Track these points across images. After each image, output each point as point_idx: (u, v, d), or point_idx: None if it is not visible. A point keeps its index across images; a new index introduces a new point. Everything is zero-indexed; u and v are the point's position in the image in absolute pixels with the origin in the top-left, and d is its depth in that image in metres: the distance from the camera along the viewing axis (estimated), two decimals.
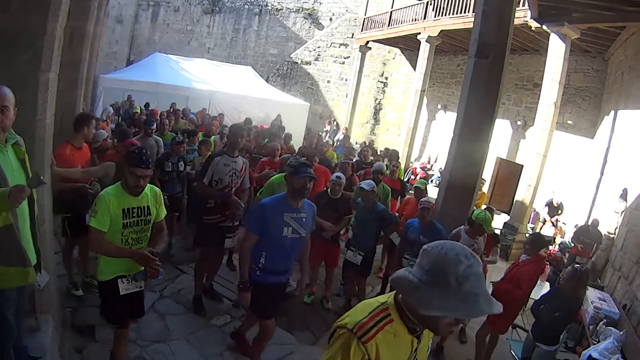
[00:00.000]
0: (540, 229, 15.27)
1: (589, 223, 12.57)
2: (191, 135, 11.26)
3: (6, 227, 3.49)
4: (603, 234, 11.45)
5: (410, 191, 18.93)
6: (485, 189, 15.83)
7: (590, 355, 6.86)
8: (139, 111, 16.32)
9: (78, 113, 8.27)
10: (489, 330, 7.27)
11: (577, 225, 13.35)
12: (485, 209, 9.50)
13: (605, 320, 7.82)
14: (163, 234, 5.02)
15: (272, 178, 7.78)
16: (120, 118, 16.11)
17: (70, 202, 6.50)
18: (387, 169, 11.70)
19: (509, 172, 19.02)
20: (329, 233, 7.90)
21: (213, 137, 12.72)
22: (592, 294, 8.68)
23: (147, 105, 18.08)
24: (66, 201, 6.49)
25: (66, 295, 6.51)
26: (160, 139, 10.97)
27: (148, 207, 4.69)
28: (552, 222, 15.52)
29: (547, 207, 15.80)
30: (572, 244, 12.39)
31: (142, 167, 4.41)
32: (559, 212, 15.72)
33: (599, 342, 7.34)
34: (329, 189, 8.21)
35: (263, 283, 5.23)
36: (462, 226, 7.37)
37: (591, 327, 7.89)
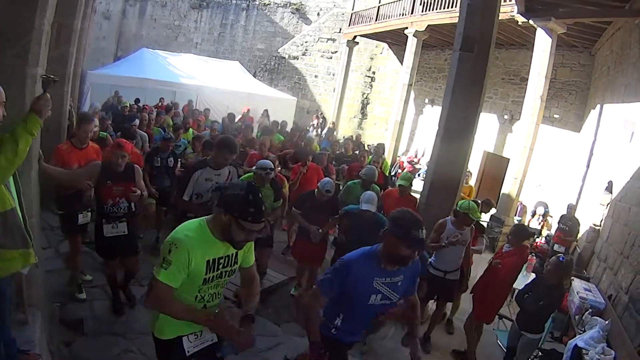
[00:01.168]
0: (529, 222, 15.38)
1: (567, 209, 12.75)
2: (175, 131, 11.22)
3: (12, 210, 3.55)
4: (589, 225, 11.54)
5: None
6: (472, 182, 15.92)
7: (576, 345, 6.93)
8: (128, 106, 16.20)
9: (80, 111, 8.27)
10: (476, 320, 7.36)
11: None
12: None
13: (590, 310, 7.87)
14: (255, 286, 3.94)
15: (241, 178, 7.28)
16: (106, 113, 15.94)
17: (65, 199, 6.48)
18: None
19: (496, 166, 19.10)
20: (316, 238, 7.76)
21: (191, 130, 12.89)
22: (577, 284, 8.74)
23: (137, 100, 18.04)
24: (61, 197, 6.58)
25: (55, 290, 6.49)
26: (145, 134, 11.10)
27: (236, 253, 3.61)
28: (540, 215, 15.66)
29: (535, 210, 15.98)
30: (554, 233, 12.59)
31: (257, 220, 3.29)
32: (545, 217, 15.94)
33: (584, 331, 7.40)
34: (315, 192, 7.90)
35: (337, 340, 4.21)
36: (449, 217, 7.36)
37: (577, 317, 7.95)
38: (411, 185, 9.39)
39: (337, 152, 14.41)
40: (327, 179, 8.23)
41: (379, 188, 9.45)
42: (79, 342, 5.62)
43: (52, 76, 3.78)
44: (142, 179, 6.59)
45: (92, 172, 6.03)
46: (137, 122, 11.16)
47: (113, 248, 6.23)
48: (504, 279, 7.05)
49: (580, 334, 7.36)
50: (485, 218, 12.42)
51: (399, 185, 9.00)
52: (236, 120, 17.71)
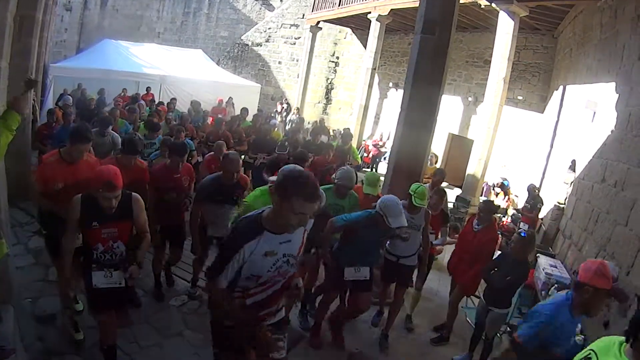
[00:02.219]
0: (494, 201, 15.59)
1: (528, 189, 12.99)
2: (153, 131, 10.31)
3: None
4: (554, 204, 11.75)
5: (366, 170, 18.99)
6: (438, 165, 16.06)
7: None
8: (94, 99, 15.82)
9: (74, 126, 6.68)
10: (463, 293, 7.44)
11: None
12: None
13: (556, 285, 8.03)
14: None
15: (254, 194, 5.90)
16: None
17: (48, 218, 5.47)
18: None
19: (461, 147, 19.36)
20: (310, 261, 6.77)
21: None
22: (543, 261, 8.90)
23: (101, 91, 17.82)
24: (44, 215, 5.61)
25: (25, 286, 6.41)
26: (117, 135, 9.41)
27: None
28: (504, 193, 15.88)
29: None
30: (521, 214, 12.80)
31: None
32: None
33: None
34: None
35: None
36: (403, 200, 6.82)
37: (543, 292, 8.10)
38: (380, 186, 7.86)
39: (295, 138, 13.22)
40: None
41: (356, 195, 7.32)
42: (52, 336, 5.59)
43: (32, 77, 3.85)
44: (145, 210, 4.99)
45: (73, 209, 4.51)
46: (110, 128, 9.31)
47: (106, 299, 4.66)
48: (488, 251, 7.08)
49: None
50: (450, 199, 12.52)
51: (366, 194, 7.31)
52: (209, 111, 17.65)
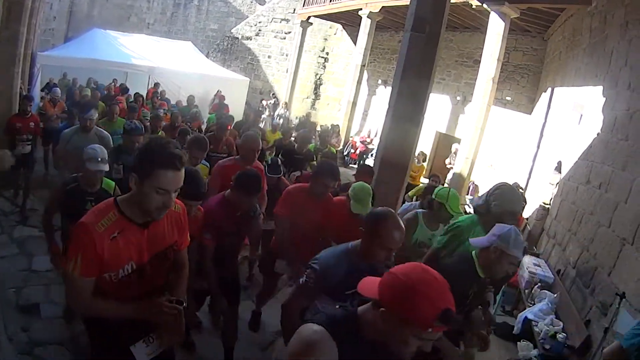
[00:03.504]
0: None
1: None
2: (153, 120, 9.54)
3: None
4: (539, 204, 11.83)
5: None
6: (426, 163, 16.13)
7: (526, 317, 7.15)
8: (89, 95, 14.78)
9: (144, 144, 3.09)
10: None
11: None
12: (431, 178, 9.55)
13: (540, 284, 8.13)
14: None
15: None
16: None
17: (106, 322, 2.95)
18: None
19: (448, 146, 19.33)
20: None
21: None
22: (527, 260, 8.98)
23: (89, 81, 17.70)
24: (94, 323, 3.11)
25: (9, 275, 6.36)
26: (107, 133, 7.22)
27: None
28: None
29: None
30: None
31: None
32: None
33: (534, 304, 7.64)
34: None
35: None
36: (417, 209, 5.83)
37: (527, 291, 8.20)
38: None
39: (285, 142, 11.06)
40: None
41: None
42: (37, 326, 5.53)
43: None
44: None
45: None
46: (92, 113, 6.91)
47: None
48: None
49: (530, 307, 7.60)
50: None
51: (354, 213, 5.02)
52: (209, 108, 17.56)
